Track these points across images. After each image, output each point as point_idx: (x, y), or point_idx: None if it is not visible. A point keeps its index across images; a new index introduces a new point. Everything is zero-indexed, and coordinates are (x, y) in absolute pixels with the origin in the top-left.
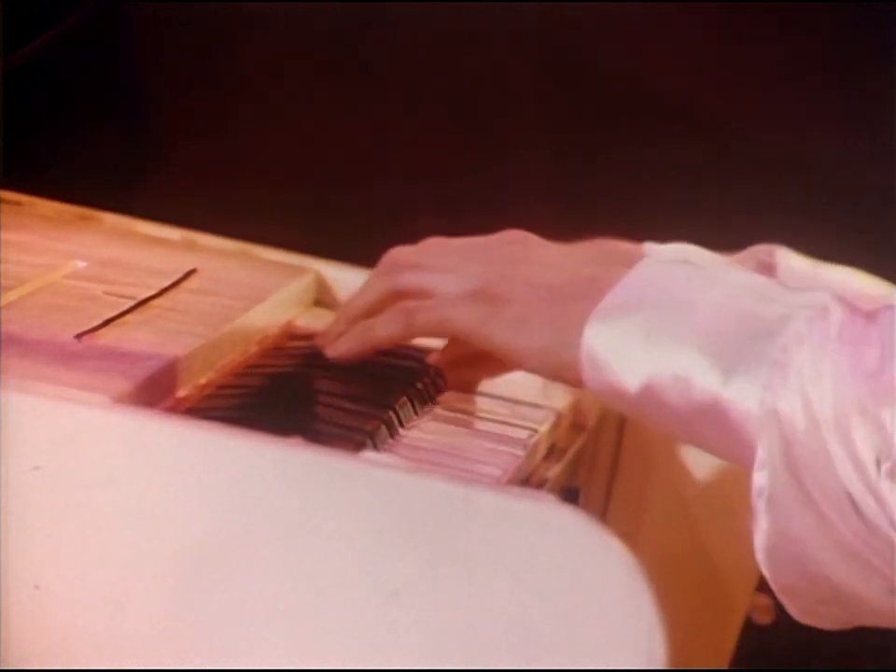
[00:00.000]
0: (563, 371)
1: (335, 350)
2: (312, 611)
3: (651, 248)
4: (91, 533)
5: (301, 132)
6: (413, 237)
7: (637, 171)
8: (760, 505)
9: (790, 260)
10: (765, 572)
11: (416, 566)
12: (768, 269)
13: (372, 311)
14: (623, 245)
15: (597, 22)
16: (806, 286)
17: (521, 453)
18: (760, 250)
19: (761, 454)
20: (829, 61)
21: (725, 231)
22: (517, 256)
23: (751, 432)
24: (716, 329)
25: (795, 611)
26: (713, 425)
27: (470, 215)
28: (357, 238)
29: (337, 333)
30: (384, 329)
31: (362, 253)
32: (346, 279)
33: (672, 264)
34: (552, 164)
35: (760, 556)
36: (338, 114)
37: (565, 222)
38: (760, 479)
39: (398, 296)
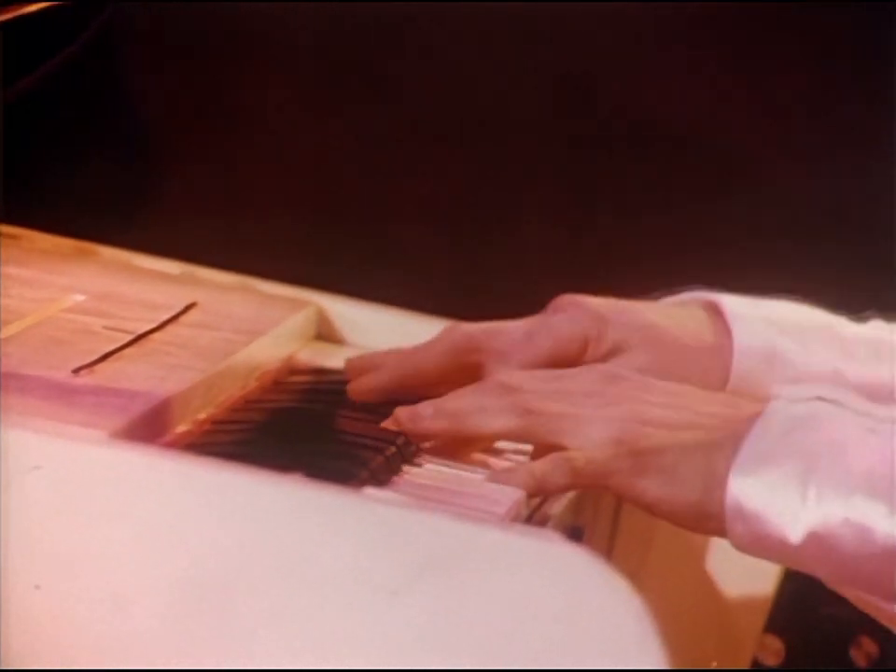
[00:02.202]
0: (706, 522)
1: (499, 481)
2: (308, 649)
3: (780, 391)
4: (92, 539)
5: (301, 164)
6: (414, 270)
7: (646, 200)
8: None
9: (734, 306)
10: None
11: (418, 604)
12: (715, 312)
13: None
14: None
15: (610, 54)
16: (759, 324)
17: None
18: (699, 295)
19: None
20: (842, 91)
21: (729, 257)
22: (636, 398)
23: None
24: (881, 472)
25: None
26: None
27: (475, 248)
28: (359, 271)
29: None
30: (552, 480)
31: (363, 286)
32: (347, 313)
33: (806, 404)
34: (561, 197)
35: None
36: (340, 147)
37: (574, 256)
38: None
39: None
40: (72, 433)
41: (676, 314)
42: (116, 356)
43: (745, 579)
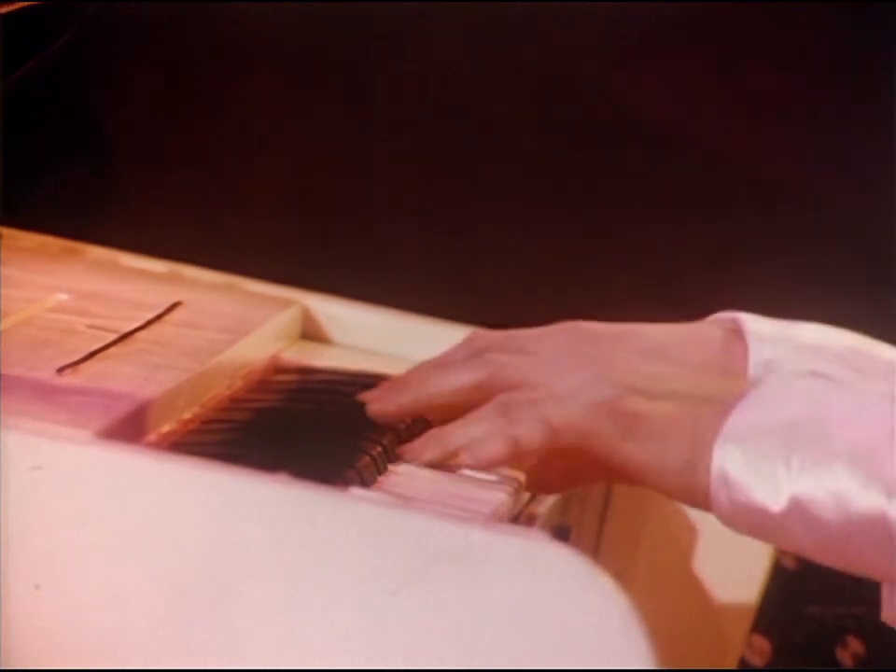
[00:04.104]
0: (695, 493)
1: (474, 457)
2: (297, 649)
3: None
4: (88, 539)
5: (287, 164)
6: (399, 269)
7: (634, 200)
8: None
9: (757, 325)
10: None
11: (404, 605)
12: (736, 334)
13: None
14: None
15: (592, 54)
16: (786, 347)
17: (511, 489)
18: (722, 318)
19: None
20: (825, 92)
21: (715, 263)
22: (627, 367)
23: None
24: (864, 444)
25: None
26: (875, 542)
27: (461, 247)
28: (344, 270)
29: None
30: (528, 442)
31: (349, 286)
32: (333, 312)
33: (800, 377)
34: (548, 196)
35: None
36: (325, 145)
37: (562, 255)
38: None
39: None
40: (56, 432)
41: (684, 332)
42: (100, 355)
43: (732, 579)
